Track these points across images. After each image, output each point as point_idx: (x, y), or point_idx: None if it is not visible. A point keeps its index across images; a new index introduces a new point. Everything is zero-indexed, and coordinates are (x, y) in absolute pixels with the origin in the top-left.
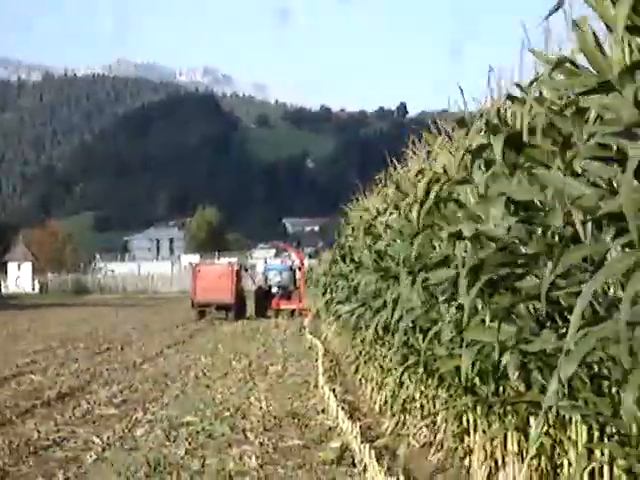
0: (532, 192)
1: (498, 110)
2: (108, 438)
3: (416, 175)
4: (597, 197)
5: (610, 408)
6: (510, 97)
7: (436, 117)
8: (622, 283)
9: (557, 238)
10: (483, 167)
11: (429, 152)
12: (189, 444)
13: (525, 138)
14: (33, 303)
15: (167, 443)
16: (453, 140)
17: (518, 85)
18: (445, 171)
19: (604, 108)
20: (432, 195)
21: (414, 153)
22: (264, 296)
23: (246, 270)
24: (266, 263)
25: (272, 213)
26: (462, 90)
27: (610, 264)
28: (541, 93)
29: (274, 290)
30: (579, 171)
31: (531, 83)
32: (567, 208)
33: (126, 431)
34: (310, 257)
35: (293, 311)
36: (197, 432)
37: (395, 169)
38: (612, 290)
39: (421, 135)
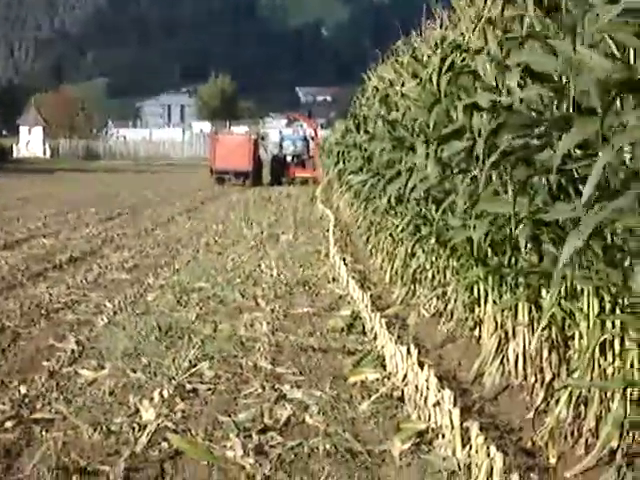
0: (550, 62)
1: None
2: (119, 302)
3: (435, 44)
4: (613, 68)
5: (622, 280)
6: None
7: None
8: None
9: (572, 109)
10: (500, 37)
11: (442, 23)
12: (200, 309)
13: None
14: (44, 168)
15: (178, 308)
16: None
17: None
18: (463, 39)
19: None
20: (447, 64)
21: (432, 21)
22: (280, 165)
23: (262, 139)
24: (281, 133)
25: (285, 81)
26: None
27: (629, 130)
28: None
29: (289, 159)
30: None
31: None
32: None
33: (137, 295)
34: (322, 127)
35: (307, 179)
36: (208, 298)
37: (411, 38)
38: (629, 162)
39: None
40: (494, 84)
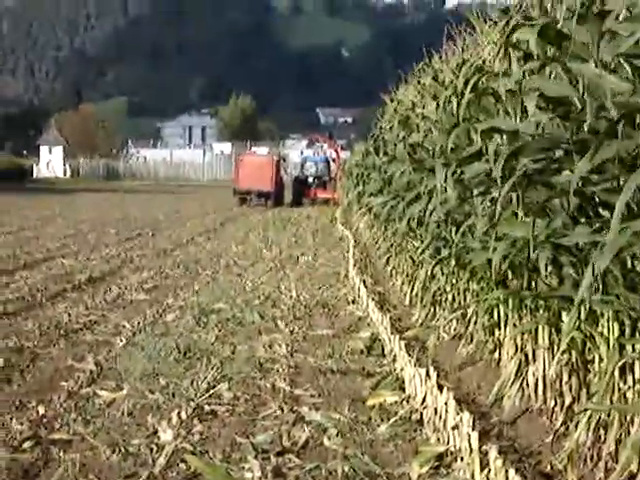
0: (565, 88)
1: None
2: (138, 323)
3: (457, 66)
4: (633, 92)
5: None
6: None
7: (476, 8)
8: None
9: (590, 134)
10: (521, 60)
11: (465, 47)
12: (219, 331)
13: (563, 29)
14: (64, 187)
15: (197, 329)
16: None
17: None
18: (484, 62)
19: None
20: (470, 87)
21: (453, 44)
22: (301, 185)
23: (284, 161)
24: (302, 154)
25: (305, 103)
26: None
27: None
28: None
29: (310, 180)
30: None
31: None
32: (601, 103)
33: (156, 316)
34: (343, 149)
35: (328, 200)
36: (227, 319)
37: (432, 60)
38: None
39: (459, 26)
40: (513, 108)
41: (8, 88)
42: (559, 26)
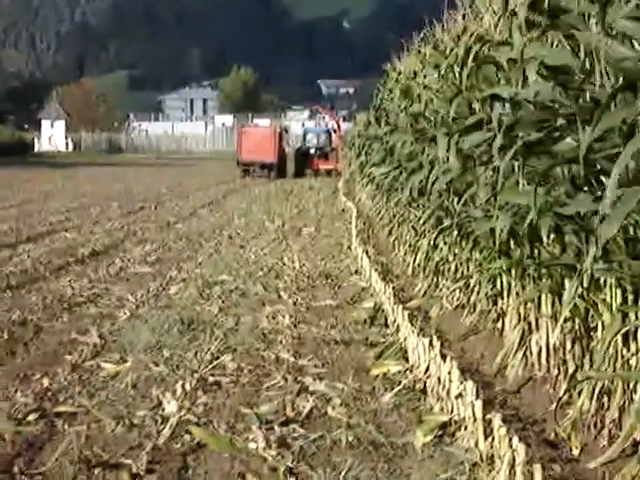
0: (565, 56)
1: None
2: (142, 296)
3: (457, 36)
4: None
5: None
6: None
7: None
8: None
9: (592, 102)
10: (522, 29)
11: (464, 15)
12: (222, 302)
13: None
14: (67, 161)
15: (201, 301)
16: None
17: None
18: (486, 31)
19: None
20: (471, 55)
21: (454, 12)
22: (303, 157)
23: (286, 132)
24: (304, 126)
25: (307, 74)
26: None
27: None
28: None
29: (312, 151)
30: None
31: None
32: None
33: (160, 289)
34: (344, 119)
35: (330, 171)
36: (231, 291)
37: (433, 30)
38: None
39: None
40: (515, 76)
41: (10, 61)
42: None
